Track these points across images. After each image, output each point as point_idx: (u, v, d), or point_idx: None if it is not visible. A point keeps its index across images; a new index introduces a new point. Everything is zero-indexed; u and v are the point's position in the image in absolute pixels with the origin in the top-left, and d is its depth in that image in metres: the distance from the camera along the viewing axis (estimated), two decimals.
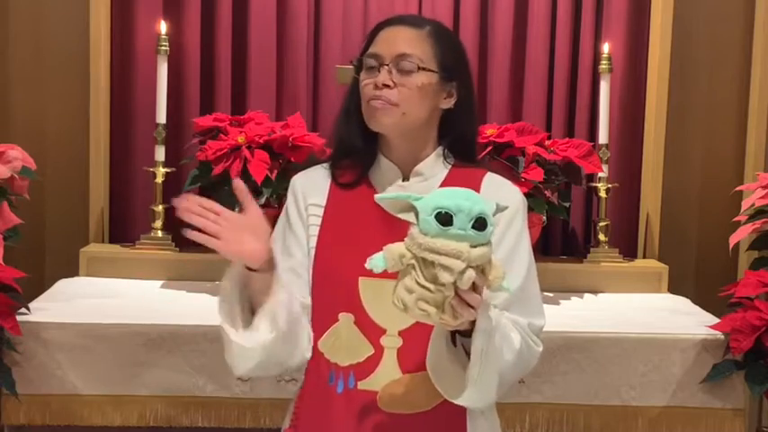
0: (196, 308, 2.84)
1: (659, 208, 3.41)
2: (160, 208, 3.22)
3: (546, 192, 3.07)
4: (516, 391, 2.64)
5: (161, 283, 3.11)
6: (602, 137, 3.27)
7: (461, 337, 1.79)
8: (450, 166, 1.96)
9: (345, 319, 1.86)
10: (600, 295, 3.16)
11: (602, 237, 3.29)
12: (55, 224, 3.41)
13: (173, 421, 2.63)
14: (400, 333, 1.85)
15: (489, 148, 3.05)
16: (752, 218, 2.89)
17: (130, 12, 3.33)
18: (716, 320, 2.80)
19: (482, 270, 1.65)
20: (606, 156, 3.26)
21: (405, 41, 1.90)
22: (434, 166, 1.95)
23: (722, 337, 2.69)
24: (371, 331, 1.86)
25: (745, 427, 2.74)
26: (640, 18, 3.43)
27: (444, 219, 1.62)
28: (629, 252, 3.39)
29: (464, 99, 1.96)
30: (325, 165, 2.01)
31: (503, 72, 3.44)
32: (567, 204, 3.21)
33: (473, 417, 1.89)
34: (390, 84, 1.87)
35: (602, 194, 3.28)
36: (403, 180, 1.95)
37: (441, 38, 1.93)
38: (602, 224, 3.29)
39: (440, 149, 1.97)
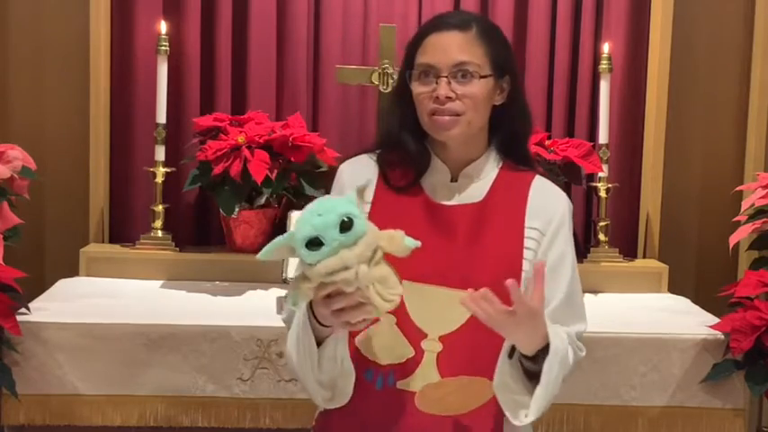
0: (196, 308, 2.84)
1: (659, 208, 3.41)
2: (160, 208, 3.22)
3: None
4: None
5: (161, 283, 3.11)
6: (602, 137, 3.27)
7: (524, 359, 1.82)
8: (499, 168, 1.95)
9: (387, 320, 1.85)
10: (600, 295, 3.17)
11: (602, 237, 3.29)
12: (55, 224, 3.41)
13: (173, 421, 2.64)
14: (441, 338, 1.85)
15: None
16: (752, 218, 2.89)
17: (130, 12, 3.33)
18: (716, 320, 2.80)
19: (378, 250, 1.71)
20: (606, 156, 3.26)
21: (458, 48, 1.87)
22: (485, 168, 1.95)
23: (722, 337, 2.69)
24: (413, 334, 1.85)
25: (746, 427, 2.74)
26: (640, 18, 3.43)
27: (313, 244, 1.69)
28: (629, 252, 3.39)
29: (514, 92, 1.95)
30: (372, 156, 1.97)
31: None
32: None
33: (510, 425, 1.89)
34: (453, 96, 1.86)
35: (602, 194, 3.28)
36: (451, 180, 1.94)
37: (489, 35, 1.91)
38: (602, 224, 3.29)
39: (491, 150, 1.96)
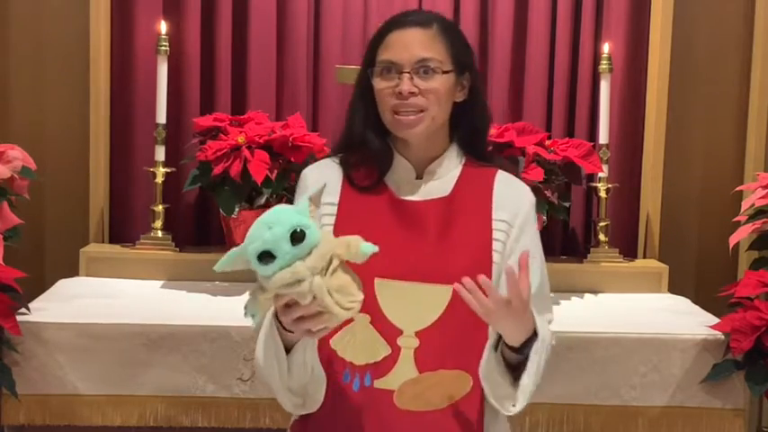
0: (196, 308, 2.84)
1: (659, 208, 3.42)
2: (160, 208, 3.22)
3: (546, 192, 3.07)
4: None
5: (161, 283, 3.11)
6: (602, 137, 3.27)
7: (506, 350, 1.83)
8: (462, 164, 1.98)
9: (361, 319, 1.85)
10: (600, 295, 3.16)
11: (602, 237, 3.29)
12: (55, 224, 3.41)
13: (173, 421, 2.64)
14: (417, 334, 1.86)
15: (489, 148, 3.04)
16: (752, 218, 2.89)
17: (130, 12, 3.33)
18: (716, 320, 2.80)
19: (334, 258, 1.68)
20: (606, 156, 3.26)
21: (420, 45, 1.90)
22: (448, 164, 1.97)
23: (722, 337, 2.69)
24: (388, 332, 1.86)
25: (745, 427, 2.74)
26: (640, 18, 3.42)
27: (266, 257, 1.66)
28: (629, 252, 3.39)
29: (474, 89, 1.98)
30: (335, 159, 2.00)
31: (503, 72, 3.44)
32: (567, 204, 3.21)
33: (490, 417, 1.90)
34: (415, 91, 1.88)
35: (602, 194, 3.28)
36: (416, 178, 1.96)
37: (449, 32, 1.94)
38: (602, 224, 3.29)
39: (453, 146, 1.98)
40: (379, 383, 1.86)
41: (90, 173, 3.30)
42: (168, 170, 3.23)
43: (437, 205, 1.92)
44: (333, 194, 1.94)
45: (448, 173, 1.96)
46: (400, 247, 1.87)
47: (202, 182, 3.11)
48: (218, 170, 3.01)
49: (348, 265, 1.72)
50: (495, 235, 1.92)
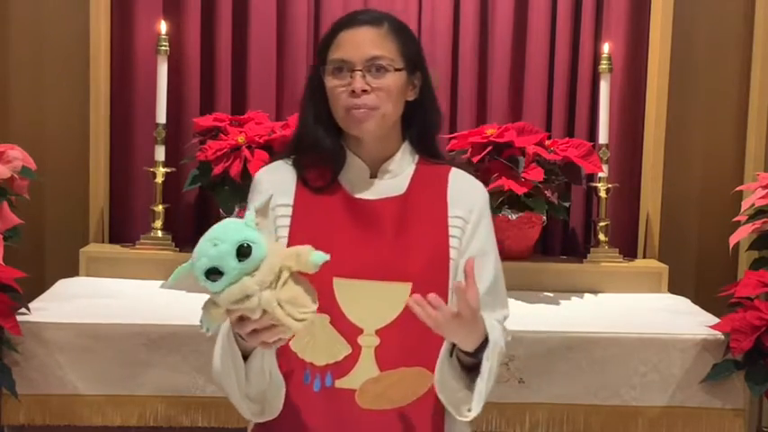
0: (196, 308, 2.82)
1: (659, 208, 3.41)
2: (160, 208, 3.22)
3: (546, 192, 3.07)
4: (516, 391, 2.64)
5: (161, 283, 3.10)
6: (602, 137, 3.27)
7: (462, 354, 1.84)
8: (416, 162, 1.99)
9: (321, 319, 1.85)
10: (600, 295, 3.16)
11: (602, 237, 3.29)
12: (55, 224, 3.41)
13: (173, 421, 2.64)
14: (377, 332, 1.86)
15: (489, 149, 3.05)
16: (752, 218, 2.89)
17: (130, 12, 3.33)
18: (716, 320, 2.80)
19: (284, 271, 1.68)
20: (606, 156, 3.26)
21: (371, 43, 1.91)
22: (402, 162, 1.98)
23: (722, 337, 2.69)
24: (348, 331, 1.86)
25: (745, 427, 2.74)
26: (640, 18, 3.42)
27: (213, 274, 1.67)
28: (629, 252, 3.39)
29: (425, 88, 1.99)
30: (287, 161, 2.00)
31: (503, 72, 3.43)
32: (567, 204, 3.21)
33: (451, 415, 1.90)
34: (368, 89, 1.89)
35: (602, 194, 3.28)
36: (370, 177, 1.97)
37: (400, 32, 1.96)
38: (602, 224, 3.29)
39: (406, 145, 1.99)
40: (341, 383, 1.86)
41: (90, 173, 3.30)
42: (168, 170, 3.23)
43: (393, 203, 1.93)
44: (287, 195, 1.94)
45: (402, 171, 1.97)
46: (357, 245, 1.88)
47: (202, 182, 3.11)
48: (218, 170, 3.01)
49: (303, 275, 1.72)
50: (452, 231, 1.93)
